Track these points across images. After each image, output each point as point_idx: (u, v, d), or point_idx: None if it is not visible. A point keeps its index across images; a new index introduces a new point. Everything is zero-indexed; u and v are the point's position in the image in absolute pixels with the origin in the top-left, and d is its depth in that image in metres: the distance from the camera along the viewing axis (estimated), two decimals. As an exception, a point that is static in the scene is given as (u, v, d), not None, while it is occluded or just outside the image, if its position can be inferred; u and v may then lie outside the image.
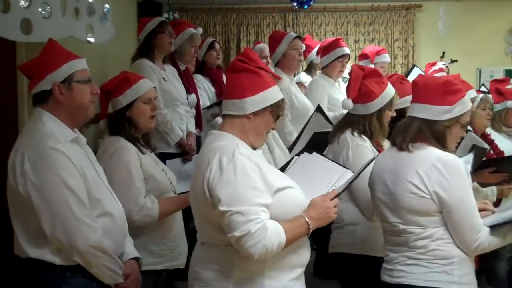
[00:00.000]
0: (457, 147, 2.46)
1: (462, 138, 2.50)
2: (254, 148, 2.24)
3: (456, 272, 2.30)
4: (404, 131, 2.41)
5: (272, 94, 2.20)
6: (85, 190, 2.23)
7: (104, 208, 2.31)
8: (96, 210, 2.27)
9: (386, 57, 5.57)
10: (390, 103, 2.93)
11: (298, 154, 2.50)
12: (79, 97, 2.33)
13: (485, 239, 2.28)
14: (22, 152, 2.20)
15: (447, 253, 2.30)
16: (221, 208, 1.99)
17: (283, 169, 2.46)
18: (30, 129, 2.29)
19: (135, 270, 2.42)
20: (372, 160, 2.49)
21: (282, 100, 2.25)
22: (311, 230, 2.10)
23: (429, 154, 2.32)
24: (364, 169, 2.35)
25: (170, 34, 4.22)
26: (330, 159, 2.45)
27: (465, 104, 2.39)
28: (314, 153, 2.42)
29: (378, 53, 5.55)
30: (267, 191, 2.05)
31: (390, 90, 2.95)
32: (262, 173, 2.07)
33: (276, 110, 2.23)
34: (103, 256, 2.23)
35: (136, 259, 2.47)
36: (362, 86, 2.95)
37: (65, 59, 2.34)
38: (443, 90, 2.36)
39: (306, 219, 2.09)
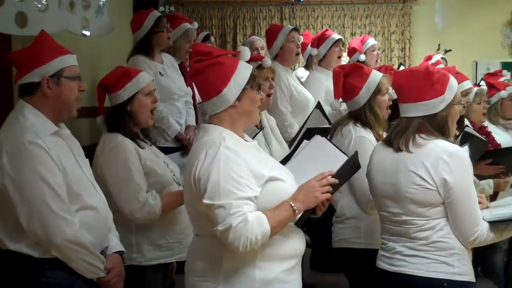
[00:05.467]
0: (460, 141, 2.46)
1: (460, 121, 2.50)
2: (255, 135, 2.21)
3: (456, 263, 2.32)
4: (402, 132, 2.40)
5: (242, 72, 2.18)
6: (64, 184, 2.22)
7: (85, 201, 2.30)
8: (76, 204, 2.26)
9: (371, 41, 5.55)
10: (378, 90, 2.96)
11: (308, 138, 2.47)
12: (66, 93, 2.32)
13: (483, 232, 2.30)
14: (0, 146, 2.19)
15: (448, 244, 2.32)
16: (205, 201, 2.02)
17: (291, 154, 2.45)
18: (11, 122, 2.29)
19: (118, 264, 2.41)
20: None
21: (253, 70, 2.22)
22: (297, 213, 2.09)
23: (435, 146, 2.32)
24: (355, 158, 2.34)
25: (167, 29, 4.20)
26: (338, 148, 2.42)
27: (453, 85, 2.39)
28: (324, 139, 2.39)
29: (362, 41, 5.54)
30: (255, 182, 2.06)
31: (374, 77, 2.99)
32: (250, 165, 2.07)
33: (255, 83, 2.21)
34: (81, 251, 2.23)
35: (120, 253, 2.46)
36: (345, 84, 3.02)
37: (56, 53, 2.32)
38: (429, 82, 2.35)
39: (290, 202, 2.08)
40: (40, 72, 2.27)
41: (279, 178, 2.14)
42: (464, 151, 2.37)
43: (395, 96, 2.96)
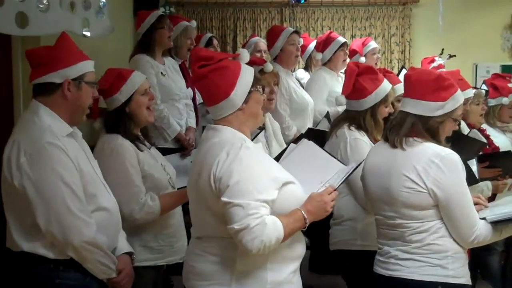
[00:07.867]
0: (450, 142, 2.47)
1: (454, 132, 2.52)
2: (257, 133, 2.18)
3: (450, 266, 2.33)
4: (398, 127, 2.42)
5: (246, 75, 2.20)
6: (81, 185, 2.23)
7: (99, 203, 2.31)
8: (92, 205, 2.27)
9: (373, 44, 5.56)
10: (385, 100, 2.97)
11: (295, 142, 2.50)
12: (83, 98, 2.35)
13: (481, 232, 2.31)
14: (18, 146, 2.19)
15: (442, 247, 2.33)
16: (223, 199, 2.01)
17: (278, 157, 2.47)
18: (26, 122, 2.28)
19: (128, 265, 2.43)
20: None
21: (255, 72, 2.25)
22: (307, 224, 2.11)
23: (426, 149, 2.33)
24: (358, 166, 2.37)
25: (169, 29, 4.22)
26: (328, 152, 2.45)
27: (457, 99, 2.40)
28: (312, 143, 2.41)
29: (364, 44, 5.55)
30: (273, 185, 2.06)
31: (385, 87, 2.99)
32: (268, 168, 2.09)
33: (258, 84, 2.24)
34: (97, 252, 2.24)
35: (129, 254, 2.47)
36: (356, 82, 3.02)
37: (79, 57, 2.35)
38: (436, 86, 2.37)
39: (303, 213, 2.10)
40: (64, 74, 2.29)
41: (292, 181, 2.15)
42: (455, 154, 2.36)
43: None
